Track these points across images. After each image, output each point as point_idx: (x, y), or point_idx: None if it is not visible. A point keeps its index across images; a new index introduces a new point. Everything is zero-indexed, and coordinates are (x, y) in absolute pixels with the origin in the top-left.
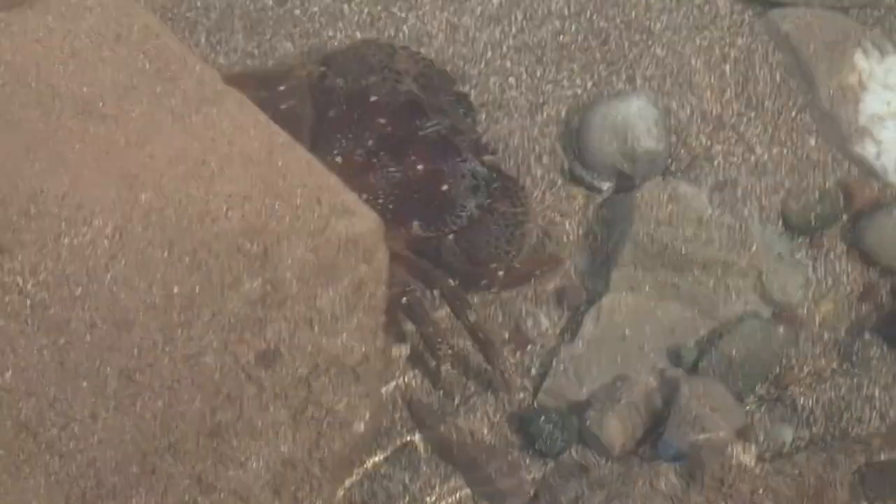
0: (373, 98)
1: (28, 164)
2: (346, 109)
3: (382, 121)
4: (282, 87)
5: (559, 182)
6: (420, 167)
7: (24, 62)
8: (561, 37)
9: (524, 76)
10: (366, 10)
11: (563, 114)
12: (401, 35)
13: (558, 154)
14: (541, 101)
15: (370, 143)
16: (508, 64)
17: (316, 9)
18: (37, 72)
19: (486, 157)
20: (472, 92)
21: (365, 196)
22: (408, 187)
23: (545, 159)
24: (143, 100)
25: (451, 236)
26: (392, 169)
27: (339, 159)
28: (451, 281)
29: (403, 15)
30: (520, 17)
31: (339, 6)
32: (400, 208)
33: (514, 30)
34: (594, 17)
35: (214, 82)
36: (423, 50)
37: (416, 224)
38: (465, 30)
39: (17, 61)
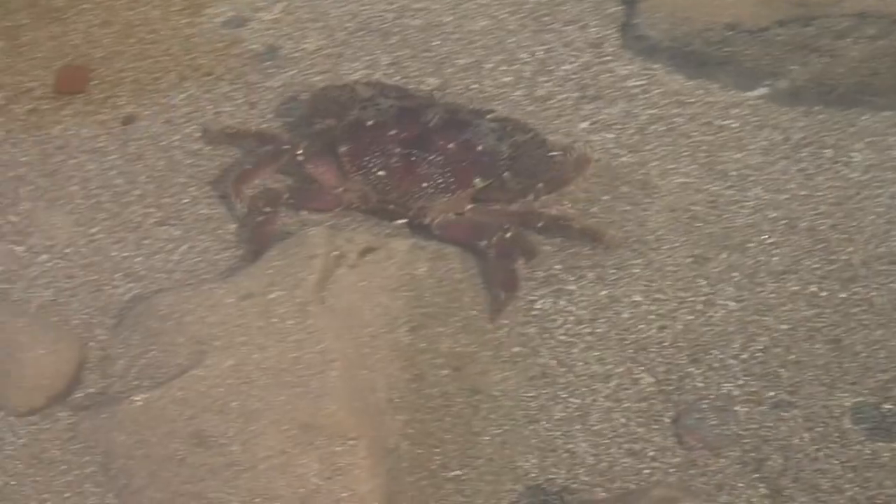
0: (369, 123)
1: None
2: (355, 139)
3: (393, 132)
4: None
5: None
6: (451, 145)
7: None
8: None
9: None
10: None
11: None
12: None
13: None
14: None
15: (398, 150)
16: None
17: None
18: None
19: (490, 116)
20: None
21: (425, 183)
22: (452, 161)
23: None
24: None
25: (505, 174)
26: (431, 157)
27: (382, 173)
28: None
29: None
30: None
31: None
32: (457, 177)
33: None
34: None
35: None
36: None
37: (476, 180)
38: None
39: None
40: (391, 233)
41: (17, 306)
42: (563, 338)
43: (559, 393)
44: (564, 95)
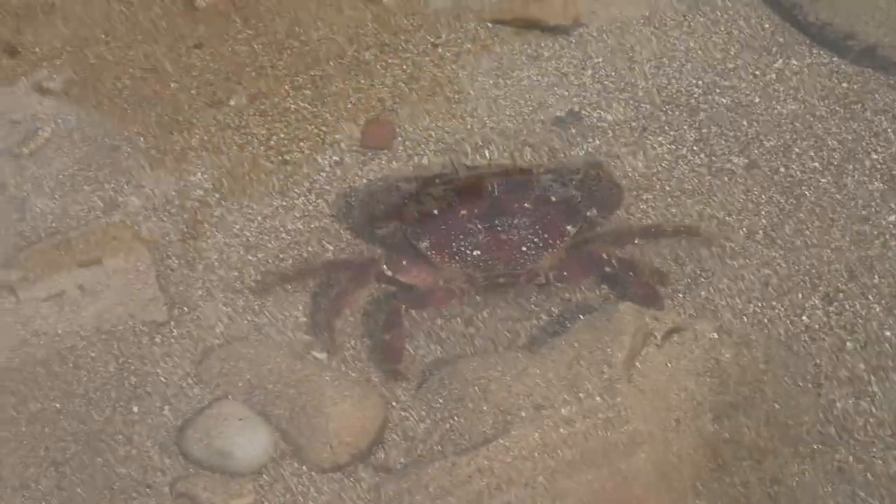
0: (434, 212)
1: None
2: (431, 231)
3: (464, 212)
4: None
5: None
6: (527, 205)
7: None
8: None
9: None
10: None
11: None
12: None
13: None
14: None
15: (479, 226)
16: None
17: None
18: None
19: (540, 169)
20: None
21: (524, 247)
22: (538, 219)
23: None
24: None
25: (588, 213)
26: (514, 222)
27: (477, 252)
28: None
29: None
30: None
31: None
32: (549, 231)
33: None
34: None
35: None
36: None
37: (569, 228)
38: None
39: None
40: (693, 314)
41: (320, 361)
42: (862, 438)
43: (858, 491)
44: (872, 186)
